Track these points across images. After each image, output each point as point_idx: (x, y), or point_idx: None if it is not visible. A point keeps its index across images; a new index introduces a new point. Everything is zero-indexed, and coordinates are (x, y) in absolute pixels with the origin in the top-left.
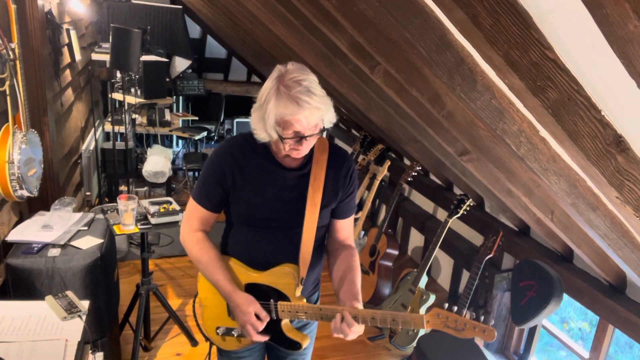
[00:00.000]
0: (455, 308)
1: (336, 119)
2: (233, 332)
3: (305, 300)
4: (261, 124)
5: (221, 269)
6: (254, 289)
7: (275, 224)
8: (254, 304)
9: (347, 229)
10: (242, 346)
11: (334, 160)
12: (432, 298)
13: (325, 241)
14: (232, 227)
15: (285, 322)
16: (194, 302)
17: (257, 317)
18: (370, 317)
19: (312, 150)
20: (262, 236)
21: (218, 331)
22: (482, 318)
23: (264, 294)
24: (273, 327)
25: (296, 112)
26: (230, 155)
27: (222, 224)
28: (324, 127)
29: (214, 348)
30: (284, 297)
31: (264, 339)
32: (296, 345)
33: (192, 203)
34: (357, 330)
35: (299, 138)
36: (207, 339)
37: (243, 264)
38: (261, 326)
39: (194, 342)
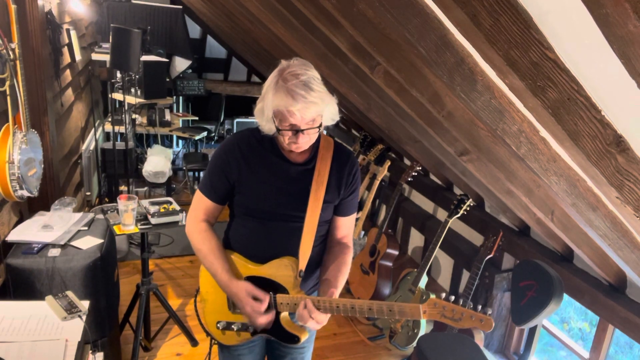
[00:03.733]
0: (453, 297)
1: (339, 117)
2: (233, 327)
3: (304, 293)
4: (262, 116)
5: (220, 258)
6: (253, 282)
7: (277, 216)
8: (249, 288)
9: (346, 227)
10: (242, 340)
11: (339, 158)
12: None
13: (326, 237)
14: (235, 220)
15: (284, 315)
16: (195, 297)
17: (257, 300)
18: (367, 308)
19: (317, 146)
20: (264, 228)
21: (218, 325)
22: (479, 307)
23: (264, 287)
24: (272, 321)
25: (290, 105)
26: (237, 147)
27: (224, 223)
28: (321, 123)
29: (214, 347)
30: (283, 290)
31: (269, 319)
32: (294, 339)
33: (198, 194)
34: (318, 319)
35: (295, 131)
36: (207, 334)
37: (243, 257)
38: (262, 307)
39: (194, 342)
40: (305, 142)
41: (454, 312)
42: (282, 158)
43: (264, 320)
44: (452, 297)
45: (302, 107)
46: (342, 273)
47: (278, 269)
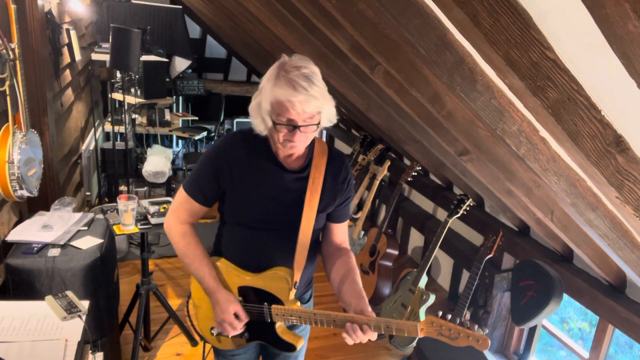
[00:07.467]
0: (450, 316)
1: (336, 119)
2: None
3: (299, 303)
4: (258, 110)
5: (206, 265)
6: (247, 292)
7: (271, 225)
8: (234, 304)
9: (342, 232)
10: (237, 347)
11: (333, 166)
12: (432, 298)
13: (319, 243)
14: (227, 227)
15: (279, 324)
16: (187, 302)
17: (237, 316)
18: (365, 323)
19: (312, 153)
20: (257, 237)
21: (212, 331)
22: (476, 327)
23: (258, 297)
24: (268, 330)
25: (291, 95)
26: (230, 151)
27: (215, 224)
28: (319, 122)
29: (212, 348)
30: (277, 301)
31: (239, 331)
32: (291, 347)
33: (182, 194)
34: (371, 336)
35: (292, 127)
36: (202, 338)
37: (236, 266)
38: (239, 325)
39: (194, 342)
40: (301, 141)
41: (450, 330)
42: (277, 164)
43: (234, 333)
44: (449, 316)
45: (303, 99)
46: (359, 277)
47: (272, 281)
